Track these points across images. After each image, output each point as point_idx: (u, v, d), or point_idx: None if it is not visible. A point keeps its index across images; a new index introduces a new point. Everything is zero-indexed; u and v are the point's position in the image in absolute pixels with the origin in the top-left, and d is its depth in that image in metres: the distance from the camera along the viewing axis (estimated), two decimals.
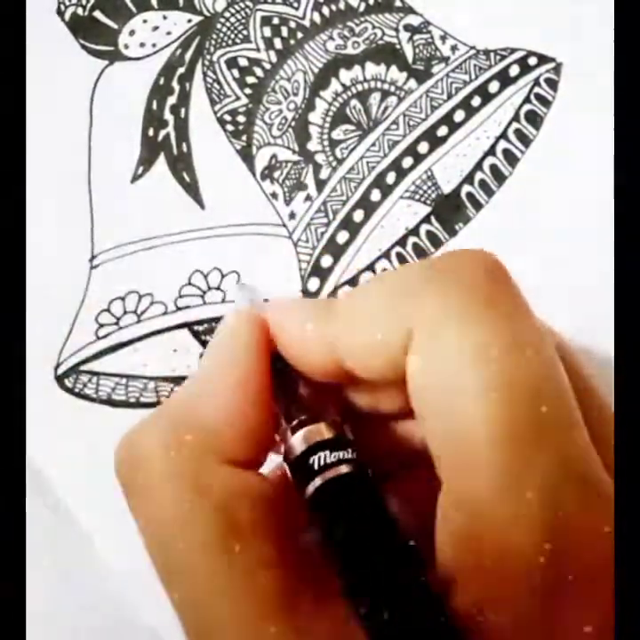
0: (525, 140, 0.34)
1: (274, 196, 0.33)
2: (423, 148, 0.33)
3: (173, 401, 0.24)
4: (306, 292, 0.33)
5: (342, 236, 0.33)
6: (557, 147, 0.34)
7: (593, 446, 0.20)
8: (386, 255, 0.33)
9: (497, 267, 0.22)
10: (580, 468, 0.20)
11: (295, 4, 0.33)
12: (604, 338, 0.30)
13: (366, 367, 0.23)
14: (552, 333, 0.24)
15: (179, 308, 0.32)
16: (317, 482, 0.23)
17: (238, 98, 0.33)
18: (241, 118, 0.33)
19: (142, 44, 0.32)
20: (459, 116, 0.33)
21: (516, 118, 0.34)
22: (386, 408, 0.25)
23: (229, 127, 0.33)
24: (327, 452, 0.24)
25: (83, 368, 0.32)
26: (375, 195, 0.33)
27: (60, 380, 0.32)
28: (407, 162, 0.33)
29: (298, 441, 0.24)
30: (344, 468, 0.23)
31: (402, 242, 0.33)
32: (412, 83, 0.33)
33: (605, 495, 0.20)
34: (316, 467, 0.23)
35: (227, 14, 0.33)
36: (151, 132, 0.32)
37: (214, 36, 0.33)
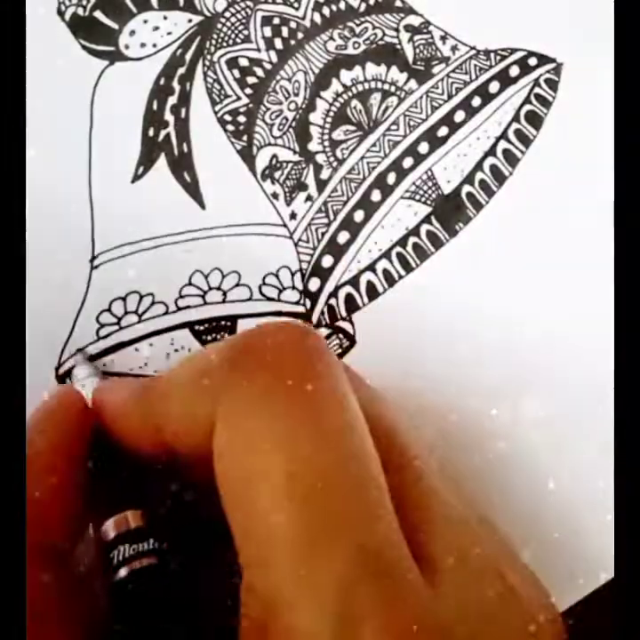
0: (526, 141, 0.34)
1: (275, 196, 0.33)
2: (423, 148, 0.33)
3: None
4: (306, 292, 0.33)
5: (343, 236, 0.33)
6: (557, 147, 0.34)
7: (400, 534, 0.20)
8: (386, 255, 0.33)
9: (304, 341, 0.22)
10: (377, 564, 0.19)
11: (296, 5, 0.33)
12: (604, 338, 0.31)
13: (183, 445, 0.23)
14: (371, 397, 0.24)
15: (179, 308, 0.32)
16: (122, 573, 0.24)
17: (239, 98, 0.33)
18: (241, 118, 0.33)
19: (143, 45, 0.32)
20: (459, 116, 0.33)
21: (516, 118, 0.34)
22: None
23: (230, 127, 0.33)
24: (126, 546, 0.24)
25: None
26: (376, 195, 0.33)
27: (61, 379, 0.32)
28: (408, 162, 0.33)
29: (110, 527, 0.25)
30: (145, 561, 0.24)
31: (402, 242, 0.33)
32: (413, 83, 0.33)
33: (408, 583, 0.19)
34: (118, 559, 0.24)
35: (227, 14, 0.33)
36: (151, 132, 0.32)
37: (215, 36, 0.33)
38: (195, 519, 0.27)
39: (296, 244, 0.33)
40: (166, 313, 0.32)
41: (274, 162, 0.33)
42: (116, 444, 0.26)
